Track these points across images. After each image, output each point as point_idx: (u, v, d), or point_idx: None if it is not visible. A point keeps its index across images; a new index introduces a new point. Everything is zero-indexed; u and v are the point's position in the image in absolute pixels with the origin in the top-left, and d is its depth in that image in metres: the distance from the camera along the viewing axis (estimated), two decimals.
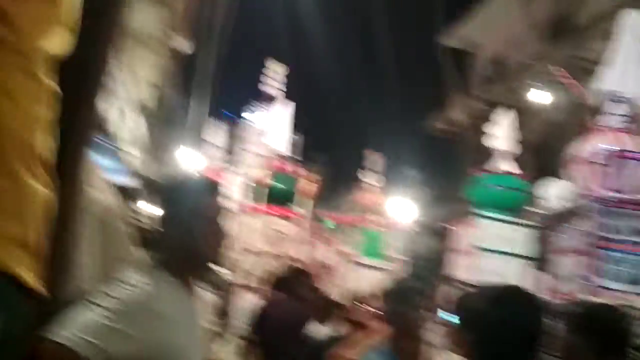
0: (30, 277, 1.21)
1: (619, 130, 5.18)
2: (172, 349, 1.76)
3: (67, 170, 1.67)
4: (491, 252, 8.04)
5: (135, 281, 1.74)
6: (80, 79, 1.70)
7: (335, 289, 8.74)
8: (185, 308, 1.87)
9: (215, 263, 2.09)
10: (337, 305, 7.04)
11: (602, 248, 4.42)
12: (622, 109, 5.32)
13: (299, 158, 10.53)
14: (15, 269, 1.16)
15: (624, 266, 4.37)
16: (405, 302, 2.80)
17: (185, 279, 1.89)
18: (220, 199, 2.07)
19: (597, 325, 1.98)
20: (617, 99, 5.32)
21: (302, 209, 9.34)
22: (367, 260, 7.44)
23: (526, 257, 8.24)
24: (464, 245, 8.32)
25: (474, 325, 1.77)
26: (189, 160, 13.42)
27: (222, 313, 5.49)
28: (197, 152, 13.74)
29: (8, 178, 1.15)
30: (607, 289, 4.24)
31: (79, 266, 1.97)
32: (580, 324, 2.01)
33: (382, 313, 2.97)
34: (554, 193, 5.24)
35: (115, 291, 1.69)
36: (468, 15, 16.72)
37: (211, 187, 2.05)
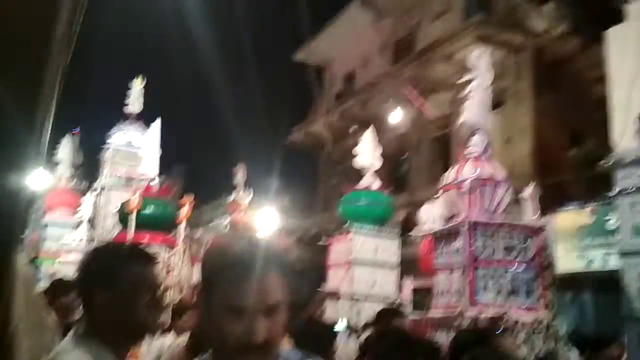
0: None
1: (478, 158, 5.92)
2: None
3: None
4: (363, 264, 8.67)
5: None
6: None
7: None
8: None
9: (153, 331, 2.05)
10: None
11: (477, 266, 5.04)
12: (479, 138, 6.07)
13: (167, 179, 10.29)
14: None
15: (501, 280, 5.04)
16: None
17: (120, 350, 1.82)
18: (154, 268, 2.07)
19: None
20: (474, 130, 6.07)
21: (176, 232, 9.15)
22: None
23: (392, 265, 9.02)
24: (339, 259, 8.84)
25: None
26: (40, 182, 12.36)
27: None
28: (48, 173, 12.74)
29: None
30: (486, 302, 4.83)
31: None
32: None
33: None
34: (430, 215, 5.86)
35: None
36: (320, 32, 17.43)
37: (141, 256, 1.91)
